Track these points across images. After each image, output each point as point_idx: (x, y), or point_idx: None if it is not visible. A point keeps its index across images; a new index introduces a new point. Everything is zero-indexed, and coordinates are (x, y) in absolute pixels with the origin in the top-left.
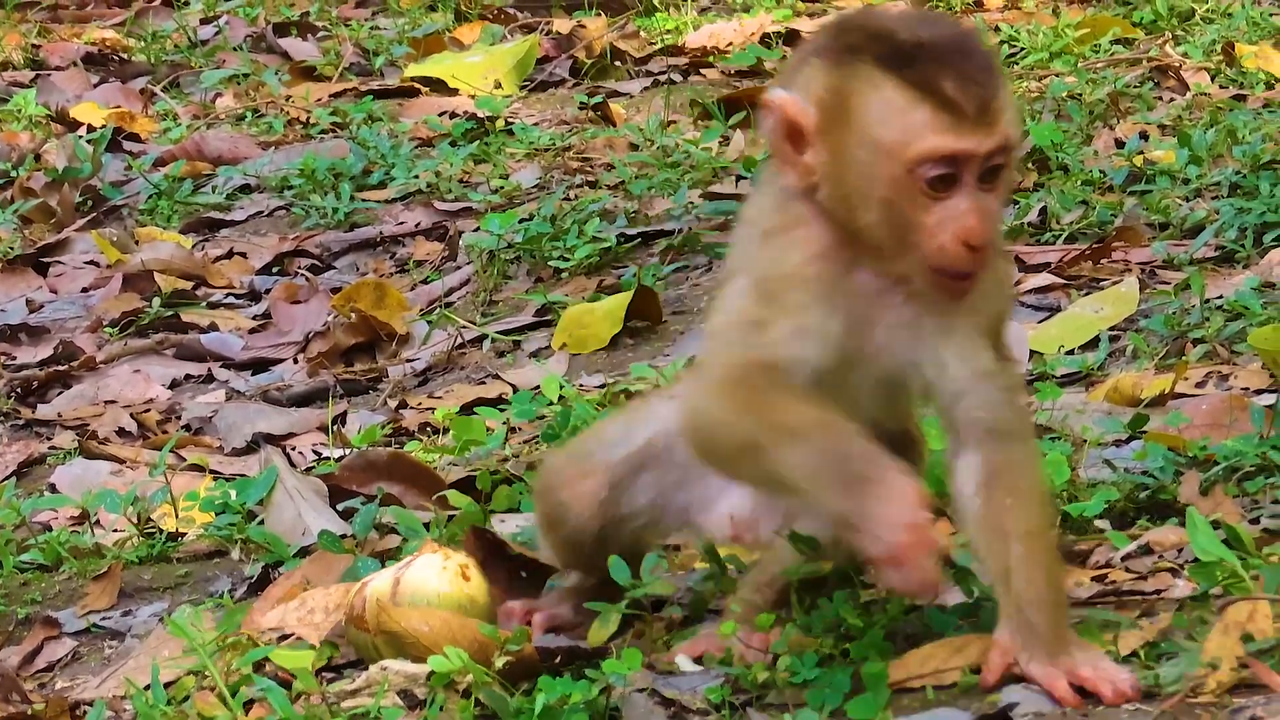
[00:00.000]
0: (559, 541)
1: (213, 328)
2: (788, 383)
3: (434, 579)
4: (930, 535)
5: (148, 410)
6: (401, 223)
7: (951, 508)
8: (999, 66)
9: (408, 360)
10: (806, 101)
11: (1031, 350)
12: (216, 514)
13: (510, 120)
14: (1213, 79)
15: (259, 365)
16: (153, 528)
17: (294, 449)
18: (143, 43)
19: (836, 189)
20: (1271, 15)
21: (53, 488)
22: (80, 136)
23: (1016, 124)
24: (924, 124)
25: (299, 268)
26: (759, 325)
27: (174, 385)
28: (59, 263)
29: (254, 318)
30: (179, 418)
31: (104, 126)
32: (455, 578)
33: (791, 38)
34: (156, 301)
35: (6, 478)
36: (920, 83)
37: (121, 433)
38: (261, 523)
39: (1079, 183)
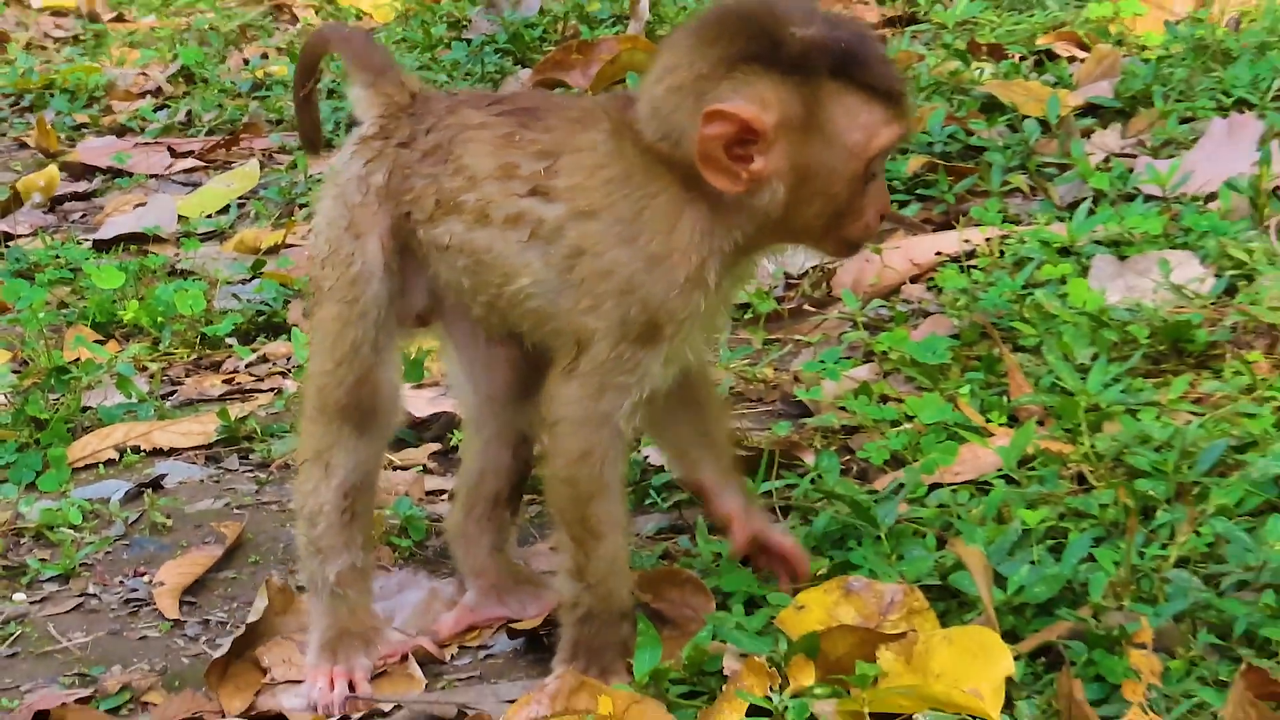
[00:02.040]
0: None
1: None
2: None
3: None
4: None
5: None
6: None
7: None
8: None
9: None
10: (763, 113)
11: (180, 214)
12: None
13: None
14: (316, 14)
15: None
16: None
17: None
18: None
19: (793, 191)
20: None
21: None
22: None
23: None
24: (880, 120)
25: None
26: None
27: None
28: None
29: None
30: None
31: None
32: None
33: None
34: None
35: None
36: (870, 85)
37: None
38: None
39: (216, 90)
